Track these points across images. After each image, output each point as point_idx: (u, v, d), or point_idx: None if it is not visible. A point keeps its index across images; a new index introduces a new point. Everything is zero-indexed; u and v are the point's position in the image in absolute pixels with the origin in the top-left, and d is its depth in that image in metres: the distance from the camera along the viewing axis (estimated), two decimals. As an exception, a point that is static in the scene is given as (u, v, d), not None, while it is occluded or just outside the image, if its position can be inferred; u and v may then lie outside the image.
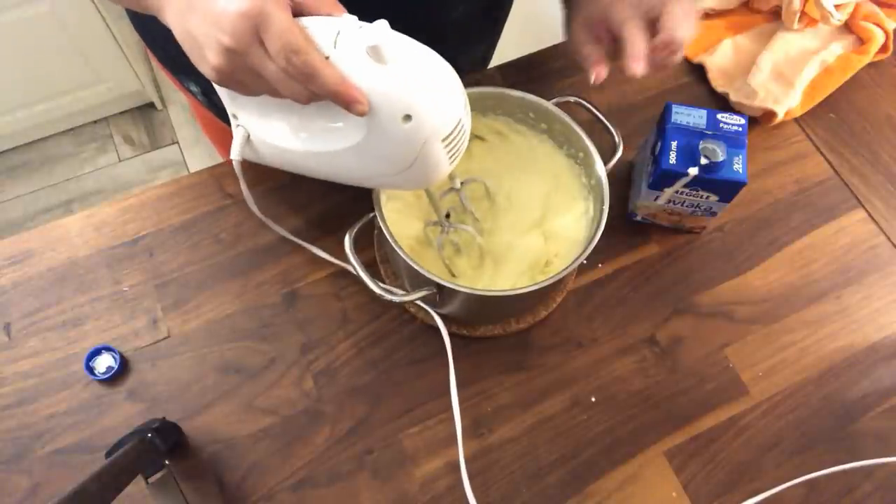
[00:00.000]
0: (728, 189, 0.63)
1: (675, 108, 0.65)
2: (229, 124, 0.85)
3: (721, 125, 0.64)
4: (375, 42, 0.41)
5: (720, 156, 0.61)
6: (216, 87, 0.50)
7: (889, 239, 0.73)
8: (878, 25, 0.80)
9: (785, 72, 0.78)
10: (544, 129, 0.65)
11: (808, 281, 0.71)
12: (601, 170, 0.59)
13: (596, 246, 0.55)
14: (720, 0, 0.84)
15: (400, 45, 0.43)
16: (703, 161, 0.61)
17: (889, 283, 0.71)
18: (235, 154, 0.53)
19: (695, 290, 0.70)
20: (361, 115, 0.43)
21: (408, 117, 0.43)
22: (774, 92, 0.77)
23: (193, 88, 0.78)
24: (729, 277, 0.70)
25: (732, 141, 0.62)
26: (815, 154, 0.78)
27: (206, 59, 0.42)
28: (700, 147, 0.62)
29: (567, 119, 0.61)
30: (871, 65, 0.81)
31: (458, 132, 0.46)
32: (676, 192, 0.64)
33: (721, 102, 0.80)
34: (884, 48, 0.81)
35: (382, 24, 0.42)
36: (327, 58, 0.41)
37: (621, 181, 0.73)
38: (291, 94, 0.43)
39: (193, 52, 0.43)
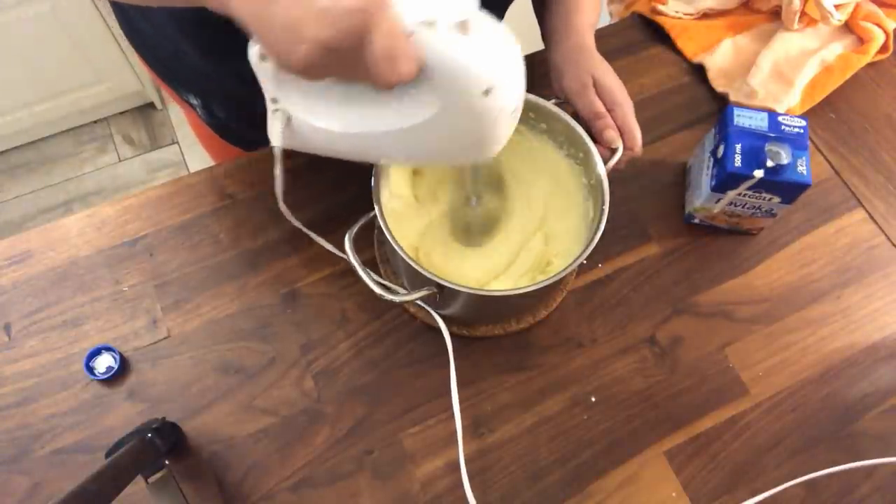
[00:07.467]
0: (792, 191, 0.63)
1: (736, 111, 0.65)
2: (226, 137, 0.82)
3: (783, 127, 0.64)
4: (465, 17, 0.40)
5: (785, 158, 0.61)
6: (256, 71, 0.45)
7: (889, 239, 0.73)
8: (878, 25, 0.80)
9: (785, 71, 0.78)
10: (544, 129, 0.65)
11: (808, 281, 0.71)
12: (601, 170, 0.59)
13: (596, 246, 0.55)
14: (720, 0, 0.84)
15: (485, 20, 0.43)
16: (769, 163, 0.61)
17: (889, 283, 0.71)
18: (277, 140, 0.49)
19: (695, 290, 0.70)
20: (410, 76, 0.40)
21: (488, 91, 0.42)
22: (774, 92, 0.77)
23: (193, 101, 0.76)
24: (729, 277, 0.70)
25: (795, 143, 0.63)
26: (815, 154, 0.78)
27: (296, 52, 0.38)
28: (766, 149, 0.62)
29: (567, 119, 0.61)
30: (871, 65, 0.81)
31: (520, 104, 0.46)
32: (739, 194, 0.64)
33: (721, 102, 0.80)
34: (884, 48, 0.81)
35: (471, 1, 0.41)
36: (412, 34, 0.39)
37: (621, 181, 0.73)
38: (377, 85, 0.40)
39: (276, 44, 0.39)
